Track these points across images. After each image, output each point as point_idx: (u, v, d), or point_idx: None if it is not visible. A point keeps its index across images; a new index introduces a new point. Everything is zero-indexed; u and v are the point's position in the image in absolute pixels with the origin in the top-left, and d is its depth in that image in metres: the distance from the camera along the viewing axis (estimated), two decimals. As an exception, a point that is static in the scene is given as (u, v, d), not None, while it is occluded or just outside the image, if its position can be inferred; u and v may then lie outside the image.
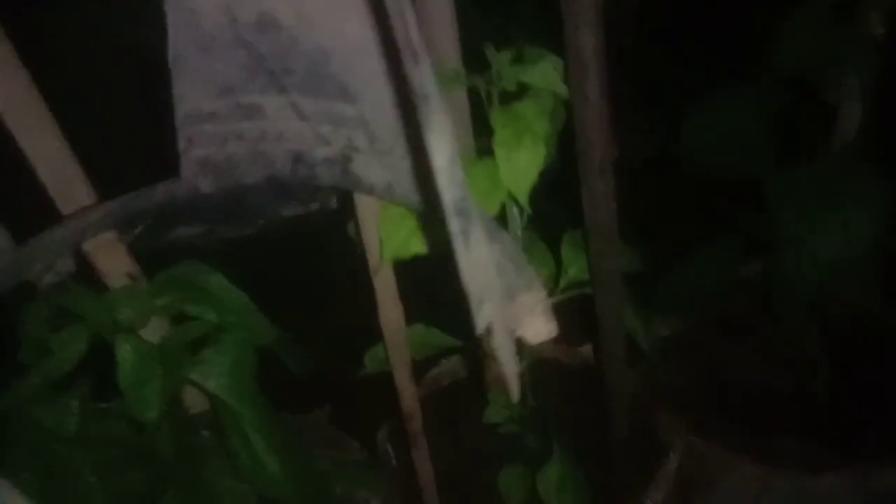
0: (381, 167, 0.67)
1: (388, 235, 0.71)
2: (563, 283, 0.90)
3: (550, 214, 0.91)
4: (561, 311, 0.84)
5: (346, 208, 0.79)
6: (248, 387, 0.82)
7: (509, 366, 0.60)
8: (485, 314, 0.54)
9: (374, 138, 0.65)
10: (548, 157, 0.72)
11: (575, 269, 0.91)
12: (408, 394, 0.86)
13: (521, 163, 0.71)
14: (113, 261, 0.79)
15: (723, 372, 1.17)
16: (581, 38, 0.64)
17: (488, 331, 0.56)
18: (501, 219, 0.81)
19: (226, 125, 0.67)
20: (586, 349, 1.17)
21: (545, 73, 0.75)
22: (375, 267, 0.77)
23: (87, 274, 0.80)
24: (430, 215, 0.68)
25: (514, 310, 0.73)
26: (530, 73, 0.75)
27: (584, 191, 0.73)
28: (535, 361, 0.92)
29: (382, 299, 0.82)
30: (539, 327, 0.76)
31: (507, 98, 0.77)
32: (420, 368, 1.03)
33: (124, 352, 0.74)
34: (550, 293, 0.88)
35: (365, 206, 0.73)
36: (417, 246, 0.70)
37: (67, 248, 0.70)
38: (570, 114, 0.72)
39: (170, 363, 0.78)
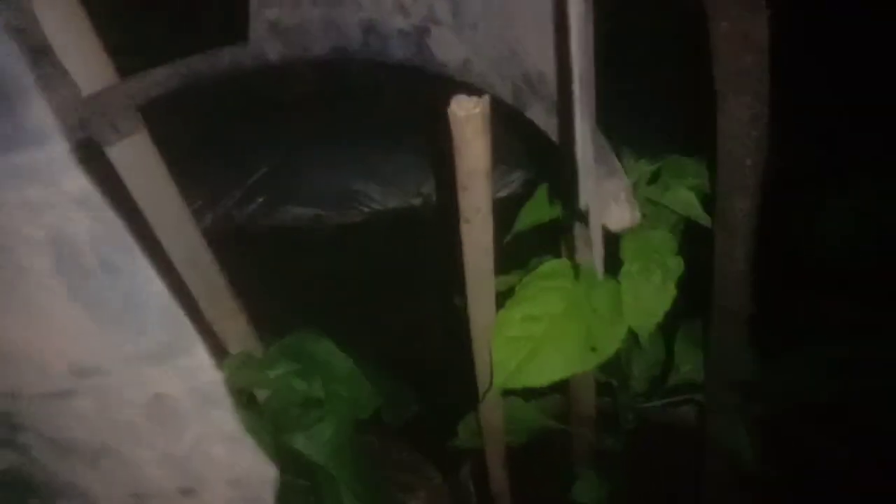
0: (459, 42, 0.63)
1: (499, 363, 0.70)
2: (671, 379, 0.88)
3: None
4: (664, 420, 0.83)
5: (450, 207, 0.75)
6: (346, 453, 0.85)
7: (598, 249, 0.62)
8: (589, 189, 0.54)
9: (457, 11, 0.60)
10: (677, 296, 0.69)
11: (689, 366, 0.88)
12: (498, 477, 0.88)
13: (648, 301, 0.68)
14: (233, 327, 0.82)
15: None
16: (733, 201, 0.60)
17: (586, 209, 0.56)
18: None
19: (302, -14, 0.62)
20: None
21: (686, 202, 0.71)
22: (484, 388, 0.77)
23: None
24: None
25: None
26: (670, 196, 0.71)
27: (713, 339, 0.70)
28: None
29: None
30: (622, 214, 0.71)
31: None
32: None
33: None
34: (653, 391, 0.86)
35: (478, 327, 0.73)
36: (531, 377, 0.69)
37: (131, 104, 0.68)
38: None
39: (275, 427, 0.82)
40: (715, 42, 0.50)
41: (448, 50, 0.62)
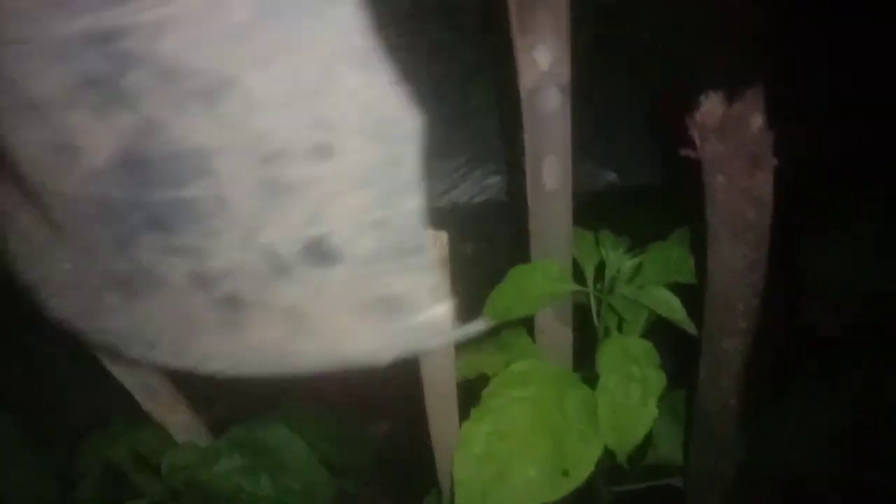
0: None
1: (464, 483, 0.64)
2: (649, 457, 0.82)
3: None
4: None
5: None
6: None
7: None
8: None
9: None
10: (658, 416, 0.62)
11: (667, 445, 0.82)
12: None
13: (627, 419, 0.62)
14: (179, 417, 0.75)
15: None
16: (721, 341, 0.53)
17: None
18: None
19: None
20: None
21: (668, 305, 0.64)
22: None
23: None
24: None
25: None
26: (649, 297, 0.65)
27: (693, 451, 0.64)
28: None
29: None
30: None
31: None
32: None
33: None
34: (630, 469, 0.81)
35: (441, 444, 0.66)
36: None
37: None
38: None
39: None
40: (710, 192, 0.42)
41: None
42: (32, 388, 1.02)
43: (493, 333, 0.80)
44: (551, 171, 0.64)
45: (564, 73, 0.48)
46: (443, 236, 0.45)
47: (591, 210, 0.70)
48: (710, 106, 0.39)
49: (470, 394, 0.69)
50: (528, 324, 0.77)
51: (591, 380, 0.71)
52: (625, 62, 0.99)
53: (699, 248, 0.70)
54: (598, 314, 0.71)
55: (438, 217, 0.50)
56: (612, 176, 1.14)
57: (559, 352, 0.79)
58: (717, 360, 0.55)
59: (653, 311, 0.68)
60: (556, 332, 0.78)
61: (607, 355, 0.63)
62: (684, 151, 0.37)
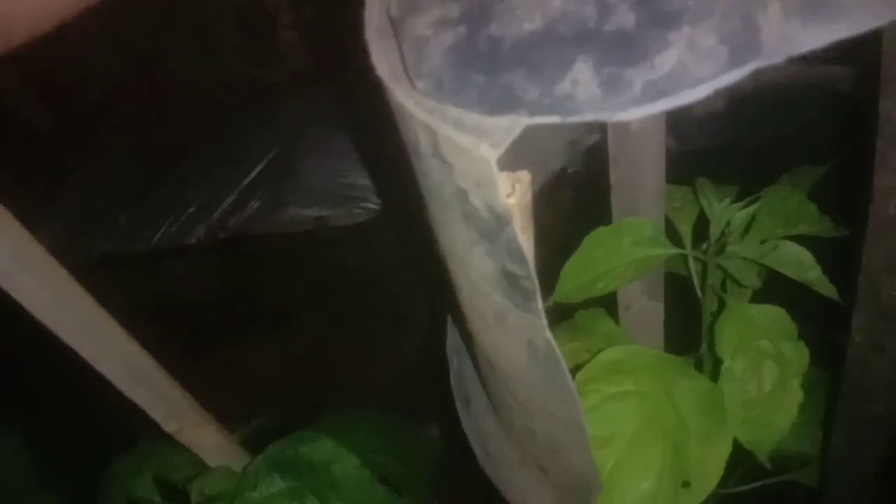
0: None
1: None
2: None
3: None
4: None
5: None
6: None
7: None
8: None
9: None
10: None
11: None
12: None
13: (763, 410, 0.49)
14: (208, 438, 0.64)
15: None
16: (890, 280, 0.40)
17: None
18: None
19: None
20: None
21: (800, 263, 0.50)
22: None
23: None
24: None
25: None
26: (776, 256, 0.51)
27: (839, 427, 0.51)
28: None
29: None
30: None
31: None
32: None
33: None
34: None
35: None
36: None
37: None
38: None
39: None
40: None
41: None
42: (44, 407, 0.93)
43: (560, 316, 0.68)
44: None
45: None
46: (524, 178, 0.31)
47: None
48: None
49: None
50: (604, 302, 0.64)
51: (700, 365, 0.58)
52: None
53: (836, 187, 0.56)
54: (703, 283, 0.57)
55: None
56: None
57: (649, 333, 0.66)
58: (885, 312, 0.41)
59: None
60: (646, 309, 0.65)
61: (729, 331, 0.50)
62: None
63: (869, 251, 0.41)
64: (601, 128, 0.56)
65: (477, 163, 0.27)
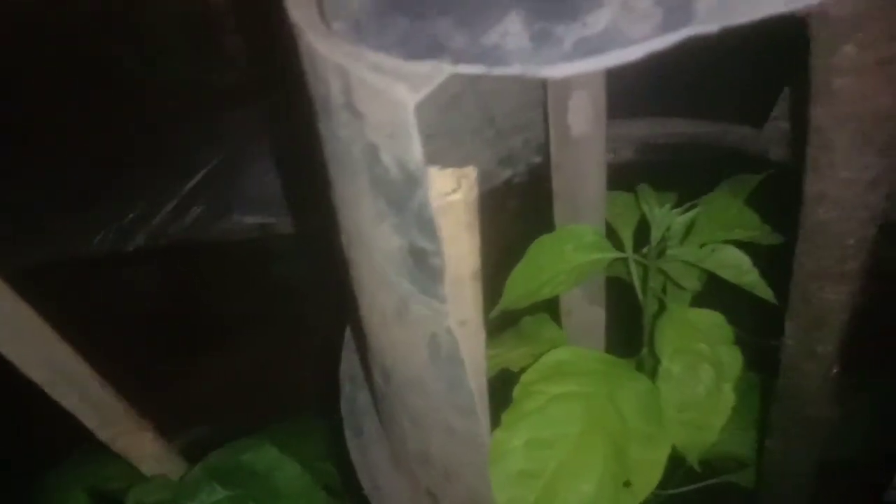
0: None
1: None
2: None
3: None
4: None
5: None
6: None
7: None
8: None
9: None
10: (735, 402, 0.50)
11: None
12: None
13: (698, 412, 0.50)
14: (145, 446, 0.62)
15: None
16: (821, 288, 0.41)
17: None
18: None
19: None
20: None
21: (738, 267, 0.52)
22: None
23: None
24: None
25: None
26: (717, 259, 0.52)
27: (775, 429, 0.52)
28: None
29: None
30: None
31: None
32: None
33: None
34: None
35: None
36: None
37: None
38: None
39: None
40: (822, 75, 0.30)
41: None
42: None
43: (506, 323, 0.68)
44: (579, 111, 0.52)
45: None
46: (471, 173, 0.31)
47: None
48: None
49: (492, 395, 0.57)
50: (547, 307, 0.65)
51: (642, 367, 0.59)
52: None
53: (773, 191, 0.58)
54: (644, 286, 0.58)
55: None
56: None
57: (591, 337, 0.67)
58: (816, 318, 0.43)
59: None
60: (587, 314, 0.66)
61: (668, 333, 0.51)
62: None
63: (800, 257, 0.42)
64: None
65: (392, 107, 0.25)
